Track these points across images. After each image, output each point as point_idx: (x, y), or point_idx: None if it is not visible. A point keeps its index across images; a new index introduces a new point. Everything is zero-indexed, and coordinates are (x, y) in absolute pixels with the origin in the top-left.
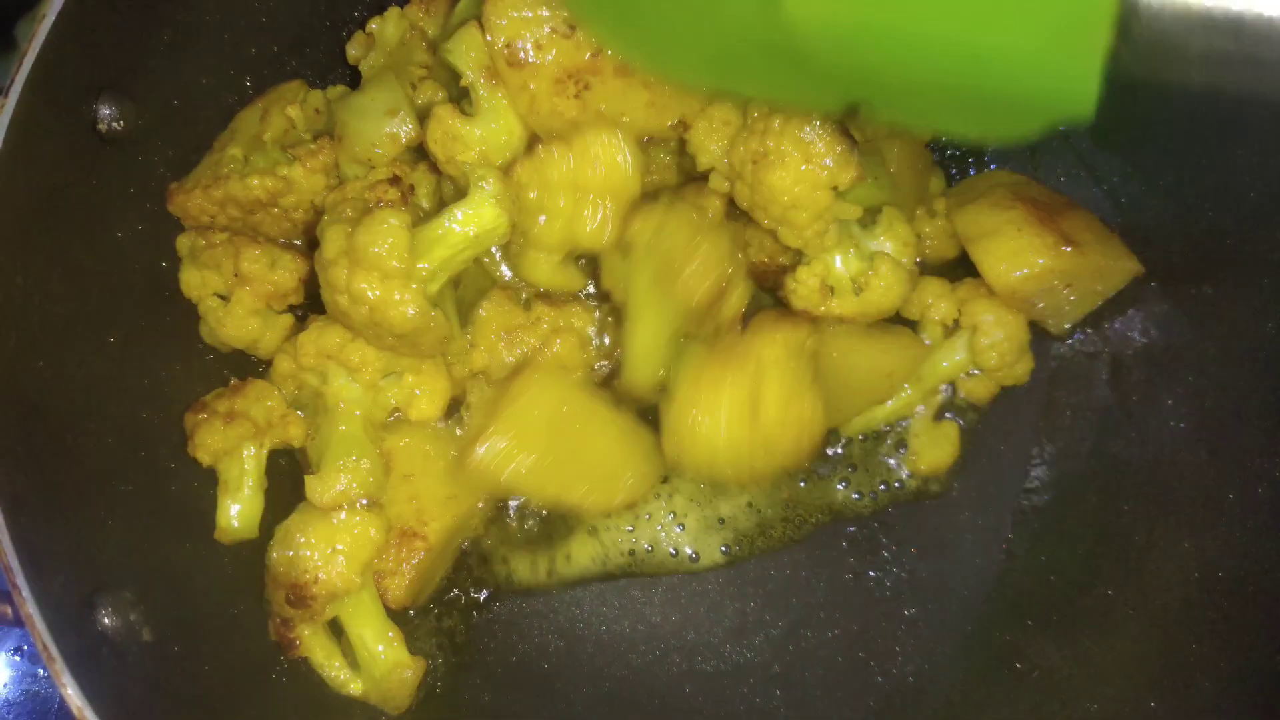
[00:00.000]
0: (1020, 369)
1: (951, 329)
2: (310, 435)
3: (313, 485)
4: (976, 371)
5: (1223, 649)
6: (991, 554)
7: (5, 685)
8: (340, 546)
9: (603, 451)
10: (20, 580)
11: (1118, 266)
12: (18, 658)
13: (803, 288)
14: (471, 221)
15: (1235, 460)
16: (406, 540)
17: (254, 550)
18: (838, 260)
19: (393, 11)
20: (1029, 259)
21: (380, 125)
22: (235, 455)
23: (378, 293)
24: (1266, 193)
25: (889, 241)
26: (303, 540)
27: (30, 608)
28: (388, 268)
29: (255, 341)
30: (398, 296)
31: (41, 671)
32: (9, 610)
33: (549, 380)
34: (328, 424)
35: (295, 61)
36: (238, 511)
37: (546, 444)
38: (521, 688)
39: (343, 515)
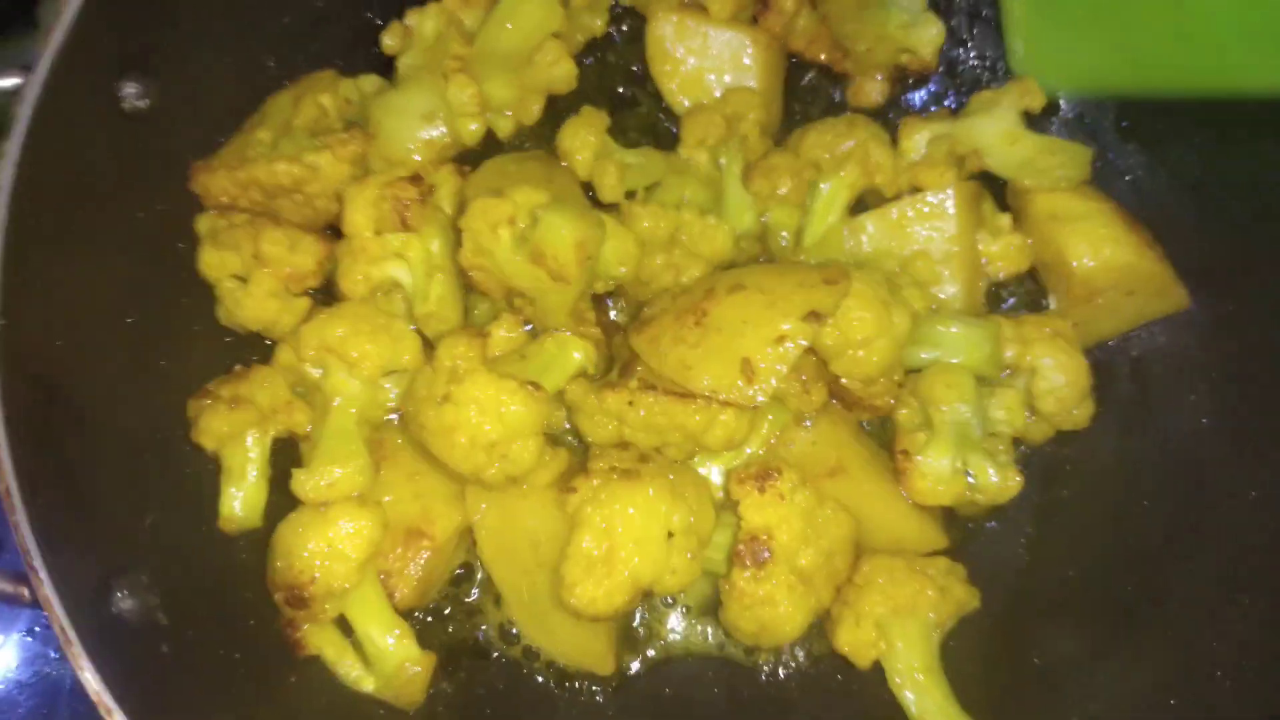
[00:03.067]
0: (1080, 414)
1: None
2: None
3: (299, 478)
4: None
5: (1243, 647)
6: (1011, 549)
7: (17, 667)
8: (335, 545)
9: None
10: (38, 562)
11: (1173, 290)
12: (30, 639)
13: (930, 476)
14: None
15: (1257, 457)
16: (413, 539)
17: (269, 536)
18: (952, 450)
19: (432, 7)
20: (1115, 250)
21: (416, 128)
22: (239, 441)
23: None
24: None
25: (1002, 412)
26: (298, 540)
27: (48, 589)
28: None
29: (272, 324)
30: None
31: (53, 653)
32: (26, 591)
33: None
34: (322, 418)
35: (317, 40)
36: (241, 499)
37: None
38: (535, 679)
39: (336, 513)
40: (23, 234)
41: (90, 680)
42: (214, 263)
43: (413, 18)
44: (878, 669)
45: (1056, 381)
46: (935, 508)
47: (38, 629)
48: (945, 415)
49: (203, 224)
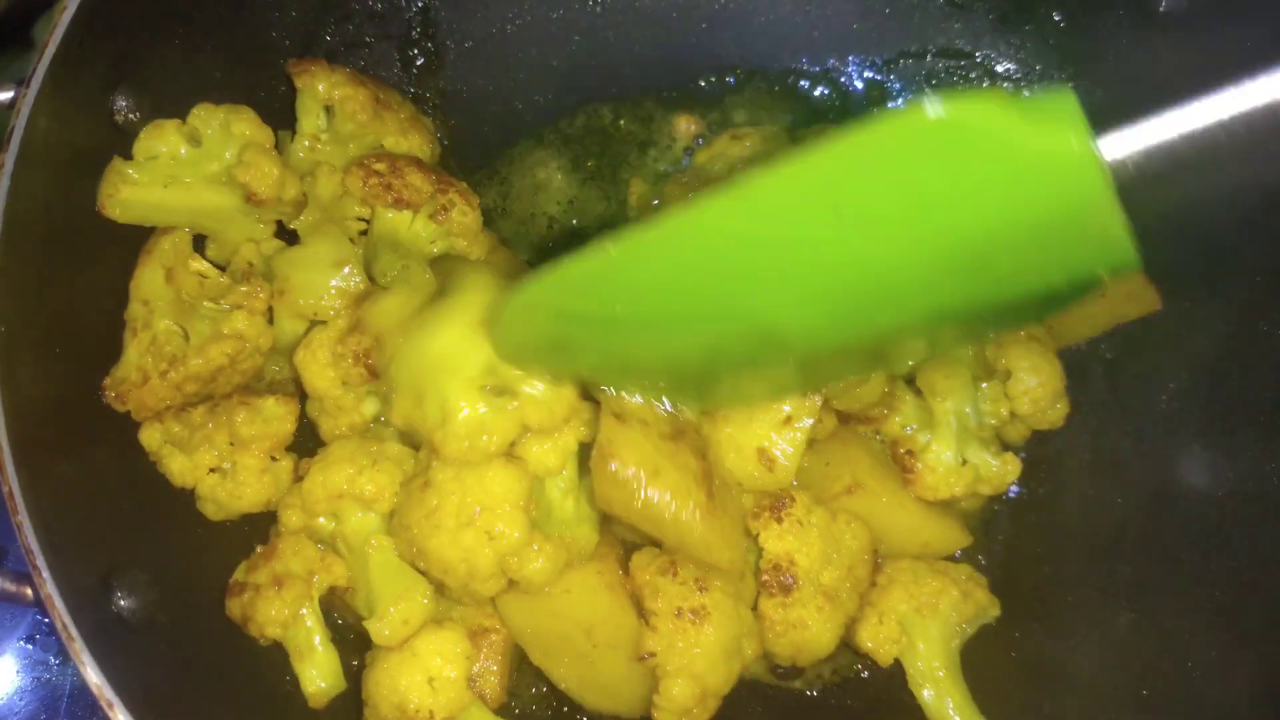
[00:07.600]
0: (1054, 415)
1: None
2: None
3: (376, 629)
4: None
5: (1217, 641)
6: (989, 548)
7: (17, 673)
8: (437, 673)
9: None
10: (40, 561)
11: (1145, 294)
12: (30, 646)
13: (939, 470)
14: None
15: (1227, 455)
16: (481, 637)
17: (263, 536)
18: (953, 444)
19: (323, 169)
20: None
21: (328, 277)
22: (299, 620)
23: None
24: (1260, 196)
25: (988, 403)
26: (399, 685)
27: (50, 588)
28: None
29: (273, 499)
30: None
31: (53, 660)
32: (29, 591)
33: None
34: (360, 562)
35: (306, 56)
36: (319, 672)
37: None
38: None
39: (422, 644)
40: (19, 242)
41: (92, 675)
42: (188, 468)
43: (307, 182)
44: (901, 679)
45: (1031, 383)
46: (952, 506)
47: (38, 636)
48: (947, 406)
49: (153, 437)
